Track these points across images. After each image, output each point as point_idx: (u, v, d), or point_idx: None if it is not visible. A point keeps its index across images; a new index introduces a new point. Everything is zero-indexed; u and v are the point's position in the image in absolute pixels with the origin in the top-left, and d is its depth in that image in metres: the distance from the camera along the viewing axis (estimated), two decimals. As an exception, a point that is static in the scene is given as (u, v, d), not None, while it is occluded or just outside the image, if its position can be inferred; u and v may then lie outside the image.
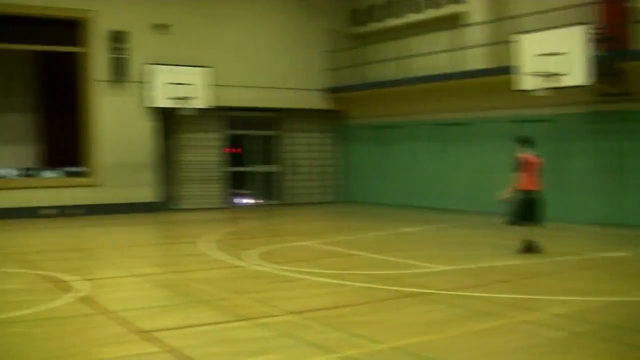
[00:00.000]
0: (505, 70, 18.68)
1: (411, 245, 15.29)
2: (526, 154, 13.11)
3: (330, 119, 26.88)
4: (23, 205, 21.24)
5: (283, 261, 12.60)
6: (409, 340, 7.25)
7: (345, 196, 26.77)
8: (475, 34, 21.37)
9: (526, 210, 13.02)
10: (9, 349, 7.19)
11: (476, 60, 21.14)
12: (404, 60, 23.81)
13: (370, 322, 8.11)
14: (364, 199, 25.85)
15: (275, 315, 8.46)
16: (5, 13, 20.79)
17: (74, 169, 22.78)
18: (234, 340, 7.44)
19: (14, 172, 22.69)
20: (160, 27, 23.13)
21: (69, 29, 22.11)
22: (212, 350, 7.06)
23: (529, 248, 13.03)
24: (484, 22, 21.16)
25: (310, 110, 26.28)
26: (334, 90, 26.04)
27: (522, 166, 13.01)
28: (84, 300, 9.38)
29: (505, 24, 20.34)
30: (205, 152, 24.57)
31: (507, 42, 18.88)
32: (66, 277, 11.02)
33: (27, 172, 22.93)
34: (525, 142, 13.28)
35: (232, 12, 24.74)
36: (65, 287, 10.26)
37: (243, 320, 8.24)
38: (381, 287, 10.13)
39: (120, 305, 9.05)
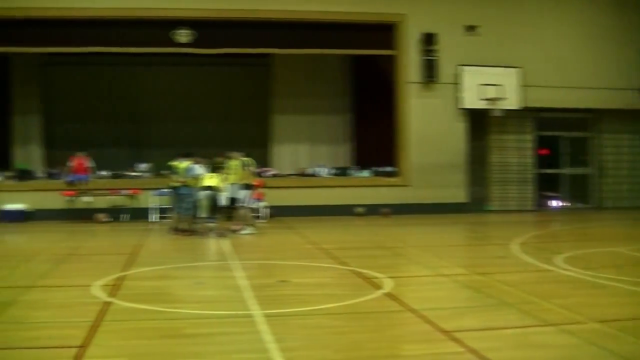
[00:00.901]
0: None
1: None
2: None
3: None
4: (336, 203, 22.22)
5: (590, 267, 11.86)
6: None
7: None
8: None
9: None
10: (314, 340, 7.43)
11: None
12: None
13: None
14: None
15: (581, 323, 7.95)
16: (325, 20, 22.00)
17: (384, 168, 23.37)
18: (536, 346, 7.10)
19: (327, 170, 23.82)
20: (469, 28, 23.00)
21: (382, 32, 22.78)
22: (514, 354, 6.79)
23: None
24: None
25: (624, 111, 24.60)
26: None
27: None
28: (389, 297, 9.49)
29: None
30: (515, 153, 24.04)
31: None
32: (372, 273, 11.25)
33: (341, 171, 23.97)
34: None
35: (537, 10, 23.87)
36: (371, 284, 10.47)
37: (547, 325, 7.83)
38: None
39: (424, 304, 9.01)
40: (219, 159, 17.32)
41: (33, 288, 10.39)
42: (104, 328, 7.92)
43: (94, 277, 11.05)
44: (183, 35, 21.79)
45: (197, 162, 17.57)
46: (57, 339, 7.56)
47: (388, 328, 8.05)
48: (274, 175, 23.69)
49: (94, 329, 7.81)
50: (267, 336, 7.40)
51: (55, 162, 23.92)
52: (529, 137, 24.15)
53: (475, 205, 23.45)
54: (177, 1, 21.65)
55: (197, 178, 17.07)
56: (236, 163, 17.53)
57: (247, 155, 18.54)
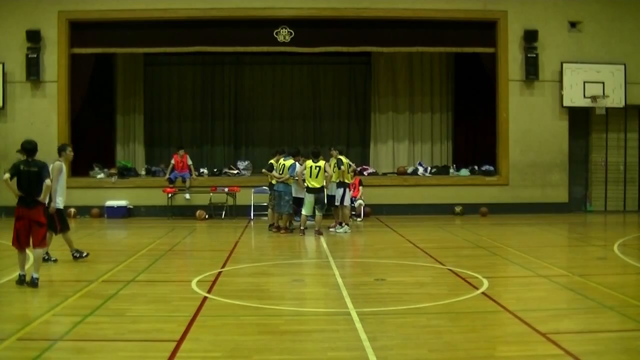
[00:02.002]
0: None
1: None
2: None
3: None
4: (435, 201, 22.13)
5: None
6: None
7: None
8: None
9: None
10: (409, 339, 7.50)
11: None
12: None
13: None
14: None
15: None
16: (426, 18, 21.97)
17: (483, 167, 23.12)
18: (638, 351, 6.95)
19: (426, 169, 23.73)
20: (572, 25, 22.49)
21: (483, 30, 22.53)
22: (614, 359, 6.66)
23: None
24: None
25: None
26: None
27: None
28: (486, 297, 9.45)
29: None
30: (620, 152, 23.36)
31: None
32: (469, 273, 11.22)
33: (439, 170, 23.87)
34: None
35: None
36: (468, 283, 10.46)
37: (650, 330, 7.69)
38: None
39: (521, 305, 8.95)
40: (318, 158, 17.37)
41: (134, 282, 10.81)
42: (201, 323, 8.18)
43: (193, 272, 11.41)
44: (283, 34, 22.08)
45: (296, 160, 17.75)
46: (156, 332, 7.88)
47: (484, 328, 8.02)
48: (373, 174, 23.74)
49: (191, 323, 8.09)
50: (363, 334, 7.50)
51: (156, 160, 24.65)
52: (633, 135, 23.43)
53: (575, 205, 22.93)
54: (278, 1, 21.95)
55: (296, 176, 17.25)
56: (334, 162, 17.65)
57: (345, 154, 18.68)
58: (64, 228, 12.68)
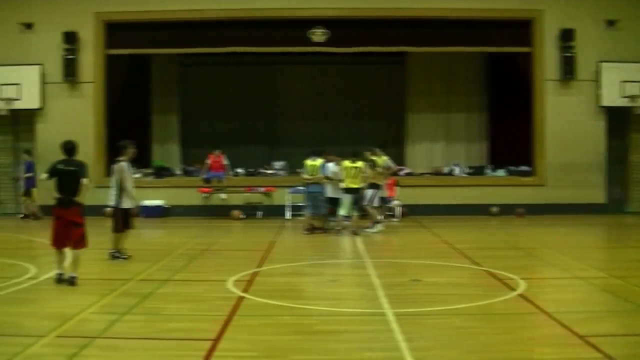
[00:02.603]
0: None
1: None
2: None
3: None
4: (471, 202, 22.06)
5: None
6: None
7: None
8: None
9: None
10: (445, 340, 7.48)
11: None
12: None
13: None
14: None
15: None
16: (461, 17, 21.95)
17: (519, 167, 22.96)
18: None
19: (462, 169, 23.63)
20: (609, 23, 22.25)
21: (519, 29, 22.39)
22: (653, 363, 6.61)
23: None
24: None
25: None
26: None
27: None
28: (523, 298, 9.39)
29: None
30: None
31: None
32: (506, 274, 11.15)
33: (475, 170, 23.76)
34: None
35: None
36: (504, 284, 10.39)
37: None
38: None
39: (559, 307, 8.86)
40: (355, 158, 17.30)
41: (169, 282, 10.91)
42: (237, 322, 8.23)
43: (228, 272, 11.46)
44: (318, 34, 22.13)
45: (329, 160, 17.77)
46: (192, 332, 7.95)
47: (521, 330, 7.98)
48: (409, 174, 23.70)
49: (227, 323, 8.14)
50: (398, 335, 7.50)
51: (192, 160, 24.83)
52: (674, 135, 23.14)
53: (613, 206, 22.67)
54: (313, 0, 22.00)
55: (329, 176, 17.26)
56: (367, 162, 17.62)
57: (380, 154, 18.66)
58: (123, 227, 12.82)
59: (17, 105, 22.10)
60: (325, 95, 26.45)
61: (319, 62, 25.82)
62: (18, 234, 18.42)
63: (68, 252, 10.67)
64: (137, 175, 22.50)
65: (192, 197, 21.73)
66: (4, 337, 7.62)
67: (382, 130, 26.16)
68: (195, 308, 9.14)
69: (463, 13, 21.94)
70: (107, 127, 22.49)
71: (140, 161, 23.75)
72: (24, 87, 21.92)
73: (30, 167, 21.06)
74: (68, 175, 10.45)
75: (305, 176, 17.55)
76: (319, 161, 17.48)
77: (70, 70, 22.15)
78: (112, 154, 22.59)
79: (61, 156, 10.73)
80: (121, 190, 12.66)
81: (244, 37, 22.38)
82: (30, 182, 20.89)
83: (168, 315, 8.73)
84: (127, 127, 23.89)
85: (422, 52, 23.89)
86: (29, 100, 22.07)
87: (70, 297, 9.70)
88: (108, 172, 21.71)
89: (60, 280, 10.42)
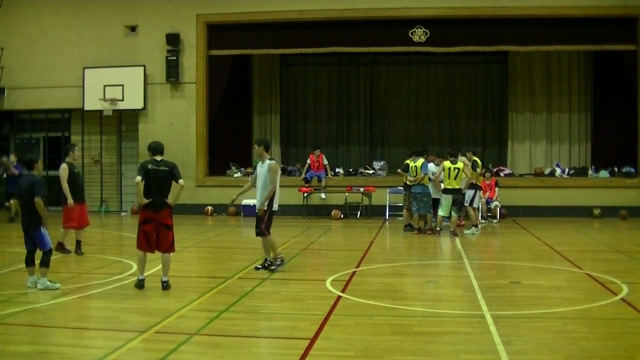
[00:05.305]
0: None
1: None
2: None
3: None
4: (573, 204, 21.63)
5: None
6: None
7: None
8: None
9: None
10: (544, 344, 7.43)
11: None
12: None
13: None
14: None
15: None
16: (562, 15, 21.54)
17: (623, 169, 22.40)
18: None
19: (564, 170, 23.21)
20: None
21: (624, 26, 21.80)
22: None
23: None
24: None
25: None
26: None
27: None
28: (626, 303, 9.26)
29: None
30: None
31: None
32: (608, 278, 10.99)
33: (578, 171, 23.31)
34: None
35: None
36: (606, 288, 10.26)
37: None
38: None
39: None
40: (454, 159, 17.19)
41: (269, 280, 11.17)
42: (334, 322, 8.39)
43: (327, 272, 11.67)
44: (418, 34, 22.14)
45: (430, 160, 17.77)
46: (290, 330, 8.15)
47: (623, 336, 7.85)
48: (509, 175, 23.45)
49: (324, 322, 8.32)
50: (497, 337, 7.52)
51: (292, 159, 25.18)
52: None
53: None
54: (413, 0, 22.00)
55: (433, 177, 17.26)
56: (465, 162, 17.55)
57: (478, 155, 18.56)
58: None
59: (121, 105, 22.93)
60: (424, 95, 26.46)
61: (419, 62, 25.89)
62: (121, 231, 19.13)
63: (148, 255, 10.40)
64: (237, 175, 23.13)
65: (292, 196, 21.96)
66: (106, 332, 8.06)
67: (482, 130, 26.01)
68: (294, 307, 9.31)
69: (565, 11, 21.50)
70: (208, 127, 23.04)
71: (242, 161, 24.34)
72: (127, 88, 22.74)
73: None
74: (160, 176, 10.09)
75: (410, 178, 17.53)
76: (420, 161, 17.47)
77: (172, 71, 22.82)
78: (212, 153, 23.35)
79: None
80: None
81: (344, 37, 22.60)
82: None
83: (267, 313, 8.95)
84: (228, 126, 24.56)
85: (523, 51, 23.58)
86: (133, 100, 22.87)
87: (170, 294, 10.02)
88: (210, 172, 22.52)
89: (140, 286, 10.10)
